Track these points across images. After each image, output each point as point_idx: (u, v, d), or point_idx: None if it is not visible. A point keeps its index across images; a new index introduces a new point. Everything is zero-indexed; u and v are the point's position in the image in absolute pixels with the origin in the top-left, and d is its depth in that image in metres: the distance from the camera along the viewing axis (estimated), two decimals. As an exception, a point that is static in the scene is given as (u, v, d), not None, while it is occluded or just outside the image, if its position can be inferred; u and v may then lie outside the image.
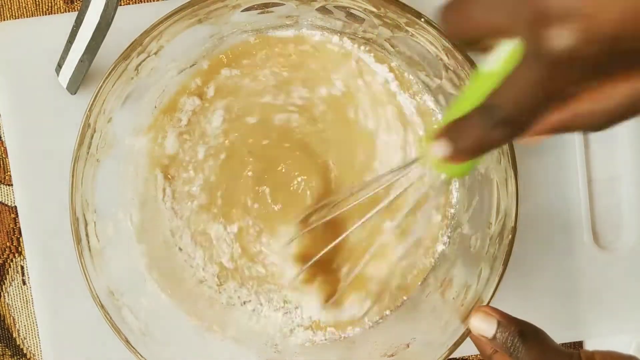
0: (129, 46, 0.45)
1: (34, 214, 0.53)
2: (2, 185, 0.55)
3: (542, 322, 0.43)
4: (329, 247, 0.48)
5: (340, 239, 0.48)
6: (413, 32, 0.46)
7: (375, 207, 0.45)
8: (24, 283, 0.56)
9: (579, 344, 0.57)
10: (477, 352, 0.49)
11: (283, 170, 0.52)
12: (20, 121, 0.53)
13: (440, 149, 0.33)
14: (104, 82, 0.45)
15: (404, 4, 0.44)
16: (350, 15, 0.47)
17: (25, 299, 0.56)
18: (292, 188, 0.52)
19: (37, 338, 0.56)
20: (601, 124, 0.31)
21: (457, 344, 0.44)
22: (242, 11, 0.47)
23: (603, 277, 0.55)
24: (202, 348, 0.51)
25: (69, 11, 0.55)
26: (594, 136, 0.55)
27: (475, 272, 0.47)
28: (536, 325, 0.42)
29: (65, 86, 0.51)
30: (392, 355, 0.48)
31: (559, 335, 0.54)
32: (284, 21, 0.50)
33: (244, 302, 0.53)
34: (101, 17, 0.47)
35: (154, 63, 0.47)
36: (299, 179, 0.52)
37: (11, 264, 0.55)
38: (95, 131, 0.46)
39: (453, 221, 0.52)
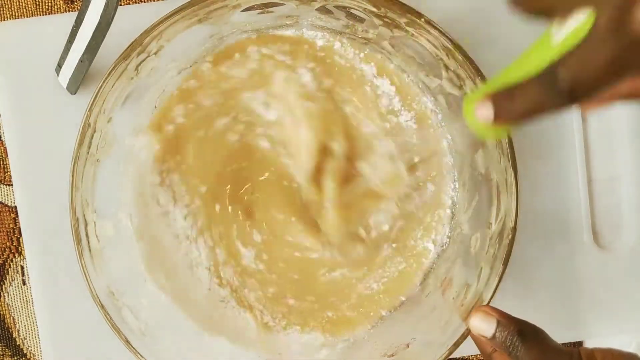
0: (129, 46, 0.45)
1: (34, 214, 0.53)
2: (2, 185, 0.55)
3: (542, 322, 0.43)
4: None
5: None
6: (413, 32, 0.46)
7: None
8: (24, 283, 0.56)
9: (579, 344, 0.57)
10: (477, 352, 0.49)
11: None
12: (20, 121, 0.53)
13: (487, 110, 0.33)
14: (103, 82, 0.45)
15: (404, 4, 0.44)
16: (350, 15, 0.47)
17: (25, 299, 0.56)
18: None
19: (37, 338, 0.56)
20: None
21: (457, 344, 0.44)
22: (242, 11, 0.47)
23: (603, 277, 0.55)
24: (202, 348, 0.51)
25: (69, 11, 0.55)
26: (594, 136, 0.55)
27: (475, 272, 0.47)
28: (536, 325, 0.42)
29: (65, 86, 0.51)
30: (392, 355, 0.48)
31: (559, 335, 0.54)
32: (284, 21, 0.50)
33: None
34: (101, 17, 0.47)
35: (154, 63, 0.47)
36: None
37: (11, 264, 0.55)
38: (95, 131, 0.46)
39: (453, 221, 0.52)
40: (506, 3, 0.31)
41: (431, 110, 0.52)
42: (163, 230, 0.52)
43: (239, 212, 0.53)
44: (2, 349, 0.56)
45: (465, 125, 0.49)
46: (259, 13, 0.48)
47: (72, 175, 0.45)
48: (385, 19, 0.46)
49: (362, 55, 0.51)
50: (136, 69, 0.46)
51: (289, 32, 0.51)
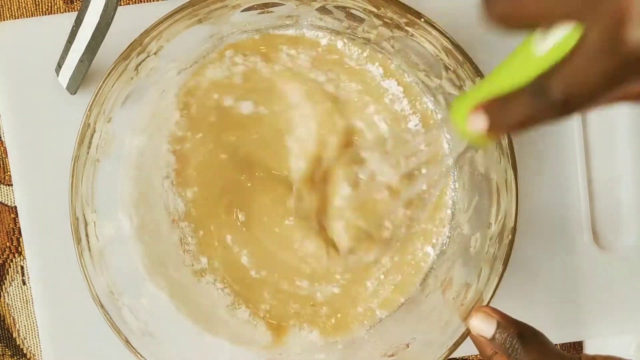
0: (128, 46, 0.45)
1: (34, 214, 0.53)
2: (2, 185, 0.55)
3: (542, 322, 0.43)
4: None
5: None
6: (413, 32, 0.46)
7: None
8: (24, 283, 0.56)
9: (579, 344, 0.57)
10: (477, 352, 0.49)
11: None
12: (20, 121, 0.53)
13: (481, 121, 0.33)
14: (103, 82, 0.45)
15: (404, 4, 0.44)
16: (350, 15, 0.47)
17: (25, 299, 0.56)
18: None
19: (37, 338, 0.56)
20: None
21: (457, 344, 0.44)
22: (242, 11, 0.47)
23: (603, 277, 0.55)
24: (202, 348, 0.51)
25: (68, 11, 0.55)
26: (594, 136, 0.55)
27: (475, 272, 0.47)
28: (536, 325, 0.42)
29: (65, 86, 0.51)
30: (392, 355, 0.48)
31: (559, 335, 0.55)
32: (284, 21, 0.50)
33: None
34: (101, 17, 0.47)
35: (153, 63, 0.47)
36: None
37: (11, 264, 0.55)
38: (95, 131, 0.46)
39: (453, 221, 0.52)
40: (483, 20, 0.31)
41: (431, 111, 0.52)
42: (163, 229, 0.52)
43: (239, 219, 0.53)
44: (2, 349, 0.56)
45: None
46: (259, 13, 0.48)
47: (72, 175, 0.45)
48: (385, 19, 0.46)
49: (365, 54, 0.51)
50: (136, 69, 0.46)
51: (289, 32, 0.51)
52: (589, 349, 0.56)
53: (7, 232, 0.55)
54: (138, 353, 0.46)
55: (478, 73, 0.44)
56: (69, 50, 0.49)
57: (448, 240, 0.53)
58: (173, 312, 0.51)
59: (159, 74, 0.49)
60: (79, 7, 0.49)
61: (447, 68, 0.47)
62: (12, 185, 0.54)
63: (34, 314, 0.55)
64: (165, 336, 0.48)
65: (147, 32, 0.44)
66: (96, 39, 0.47)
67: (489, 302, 0.45)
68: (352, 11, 0.47)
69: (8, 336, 0.56)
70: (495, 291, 0.45)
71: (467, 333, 0.43)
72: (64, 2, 0.55)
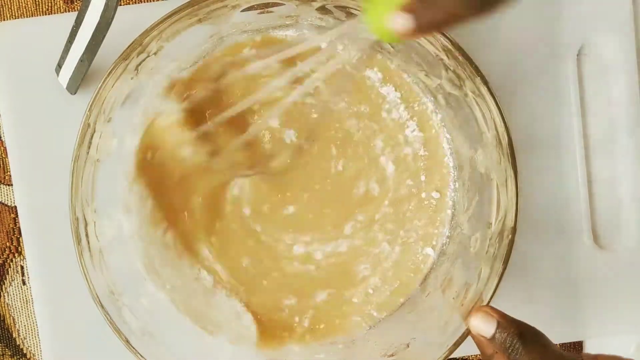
0: (128, 46, 0.45)
1: (34, 214, 0.53)
2: (2, 185, 0.55)
3: (542, 322, 0.43)
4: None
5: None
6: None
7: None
8: (24, 283, 0.56)
9: (579, 344, 0.57)
10: (477, 352, 0.49)
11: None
12: (20, 121, 0.53)
13: (406, 20, 0.33)
14: (103, 82, 0.45)
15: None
16: (350, 15, 0.47)
17: (25, 299, 0.56)
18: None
19: (37, 338, 0.56)
20: None
21: (457, 344, 0.44)
22: (242, 11, 0.47)
23: (603, 277, 0.55)
24: (202, 348, 0.51)
25: (69, 11, 0.55)
26: (595, 136, 0.55)
27: (475, 272, 0.47)
28: (536, 325, 0.42)
29: (65, 86, 0.51)
30: (392, 355, 0.48)
31: (559, 335, 0.55)
32: (283, 21, 0.50)
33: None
34: (101, 17, 0.47)
35: (153, 63, 0.47)
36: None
37: (11, 264, 0.55)
38: (95, 131, 0.46)
39: (453, 221, 0.53)
40: None
41: (431, 111, 0.52)
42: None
43: (236, 217, 0.53)
44: (2, 349, 0.56)
45: (465, 124, 0.49)
46: (258, 13, 0.48)
47: (72, 175, 0.45)
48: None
49: (365, 57, 0.52)
50: (136, 69, 0.46)
51: (289, 32, 0.51)
52: (589, 349, 0.56)
53: (7, 232, 0.55)
54: (138, 353, 0.46)
55: (478, 73, 0.44)
56: (69, 50, 0.49)
57: (448, 240, 0.53)
58: (173, 312, 0.51)
59: (159, 74, 0.49)
60: (79, 7, 0.50)
61: (447, 68, 0.47)
62: (12, 185, 0.54)
63: (34, 313, 0.55)
64: (165, 336, 0.48)
65: (147, 32, 0.44)
66: (96, 39, 0.48)
67: (489, 301, 0.45)
68: (352, 11, 0.47)
69: (8, 336, 0.56)
70: (495, 291, 0.45)
71: (467, 333, 0.43)
72: (64, 2, 0.55)
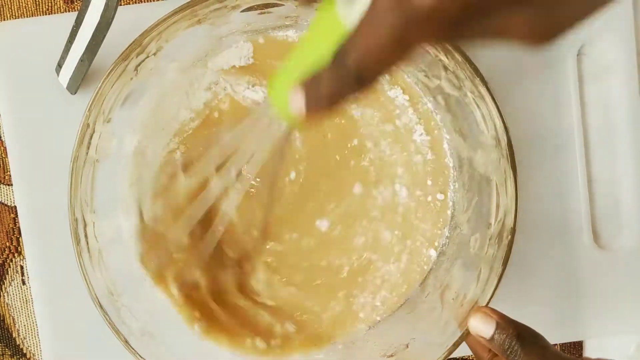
0: (128, 47, 0.45)
1: (34, 214, 0.53)
2: (2, 185, 0.55)
3: (542, 321, 0.44)
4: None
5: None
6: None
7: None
8: (24, 283, 0.56)
9: (579, 344, 0.57)
10: (477, 353, 0.49)
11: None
12: (20, 121, 0.53)
13: (297, 103, 0.31)
14: (103, 82, 0.45)
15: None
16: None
17: (25, 299, 0.56)
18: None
19: (37, 338, 0.56)
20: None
21: (456, 345, 0.44)
22: (242, 12, 0.47)
23: (603, 277, 0.55)
24: (201, 348, 0.51)
25: (69, 11, 0.55)
26: (595, 136, 0.55)
27: (474, 272, 0.47)
28: (536, 325, 0.42)
29: (65, 86, 0.51)
30: (392, 356, 0.48)
31: (559, 335, 0.55)
32: (283, 21, 0.50)
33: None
34: (101, 17, 0.47)
35: (153, 63, 0.47)
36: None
37: (11, 264, 0.55)
38: (94, 131, 0.46)
39: (452, 222, 0.52)
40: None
41: (431, 112, 0.52)
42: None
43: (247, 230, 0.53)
44: (2, 348, 0.56)
45: (464, 125, 0.49)
46: (258, 13, 0.48)
47: (71, 176, 0.45)
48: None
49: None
50: (135, 69, 0.46)
51: (289, 33, 0.51)
52: (588, 349, 0.56)
53: (7, 232, 0.55)
54: (137, 353, 0.46)
55: (477, 73, 0.44)
56: (69, 50, 0.49)
57: (447, 240, 0.53)
58: (172, 312, 0.51)
59: (159, 74, 0.49)
60: (79, 7, 0.50)
61: (446, 68, 0.47)
62: (12, 185, 0.54)
63: (34, 313, 0.55)
64: (164, 336, 0.48)
65: (146, 33, 0.44)
66: (96, 39, 0.48)
67: (488, 302, 0.45)
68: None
69: (8, 336, 0.56)
70: (494, 291, 0.45)
71: (467, 334, 0.43)
72: (64, 2, 0.55)
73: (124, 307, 0.47)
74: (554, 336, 0.43)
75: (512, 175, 0.44)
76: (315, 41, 0.32)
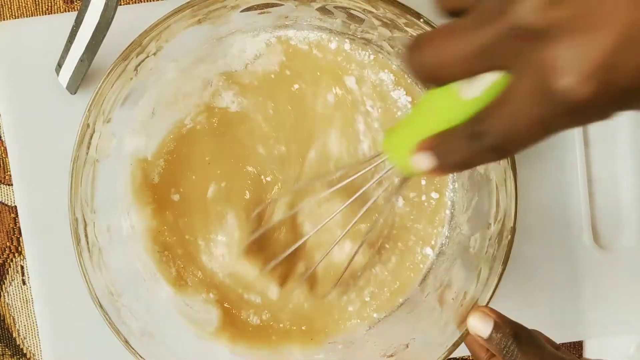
0: (128, 46, 0.45)
1: (34, 214, 0.53)
2: (2, 185, 0.55)
3: (542, 322, 0.44)
4: (296, 244, 0.49)
5: (308, 236, 0.50)
6: (412, 33, 0.46)
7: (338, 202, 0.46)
8: (24, 283, 0.56)
9: (579, 344, 0.56)
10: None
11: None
12: (20, 121, 0.53)
13: (424, 161, 0.33)
14: (103, 82, 0.45)
15: (402, 5, 0.44)
16: (349, 15, 0.47)
17: (25, 299, 0.56)
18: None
19: (37, 338, 0.56)
20: None
21: (456, 345, 0.44)
22: (242, 11, 0.47)
23: (603, 277, 0.55)
24: (201, 348, 0.51)
25: (68, 11, 0.55)
26: (595, 136, 0.55)
27: (474, 272, 0.47)
28: (536, 325, 0.42)
29: (65, 86, 0.51)
30: (392, 356, 0.48)
31: (559, 335, 0.55)
32: (283, 21, 0.50)
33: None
34: (101, 17, 0.47)
35: (153, 63, 0.47)
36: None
37: (11, 264, 0.56)
38: (94, 131, 0.46)
39: (452, 221, 0.52)
40: (407, 72, 0.31)
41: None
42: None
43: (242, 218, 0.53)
44: (2, 348, 0.56)
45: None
46: (258, 13, 0.48)
47: (71, 176, 0.45)
48: (384, 20, 0.46)
49: (372, 57, 0.52)
50: (135, 69, 0.46)
51: (289, 33, 0.51)
52: (588, 349, 0.56)
53: (7, 232, 0.55)
54: (137, 353, 0.46)
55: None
56: (69, 50, 0.49)
57: (447, 240, 0.53)
58: (172, 313, 0.51)
59: (159, 74, 0.49)
60: (79, 7, 0.50)
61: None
62: (12, 185, 0.54)
63: (34, 313, 0.55)
64: (164, 336, 0.48)
65: (146, 33, 0.44)
66: (96, 39, 0.48)
67: (488, 302, 0.45)
68: (352, 12, 0.47)
69: (8, 336, 0.56)
70: (494, 291, 0.45)
71: (466, 334, 0.43)
72: (64, 2, 0.55)
73: (124, 307, 0.47)
74: (554, 336, 0.43)
75: (512, 175, 0.44)
76: (432, 108, 0.34)
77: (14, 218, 0.55)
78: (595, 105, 0.27)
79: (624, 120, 0.54)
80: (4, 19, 0.55)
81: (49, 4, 0.55)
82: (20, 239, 0.55)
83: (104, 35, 0.47)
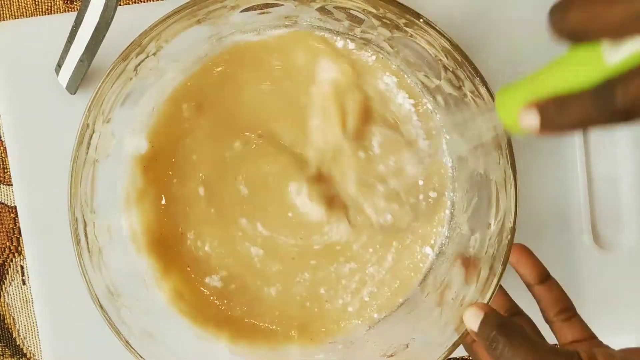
0: (127, 47, 0.45)
1: (34, 214, 0.53)
2: (2, 185, 0.55)
3: (542, 322, 0.43)
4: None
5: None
6: (412, 33, 0.46)
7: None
8: (24, 283, 0.56)
9: (579, 344, 0.56)
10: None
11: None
12: (20, 121, 0.53)
13: (534, 119, 0.33)
14: (102, 82, 0.45)
15: (402, 5, 0.44)
16: (349, 15, 0.47)
17: (25, 299, 0.56)
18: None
19: (37, 338, 0.56)
20: None
21: (456, 345, 0.44)
22: (242, 11, 0.47)
23: (603, 277, 0.55)
24: (201, 349, 0.51)
25: (68, 11, 0.55)
26: (594, 136, 0.55)
27: (474, 272, 0.47)
28: (536, 325, 0.41)
29: (65, 86, 0.51)
30: (392, 356, 0.48)
31: (559, 335, 0.54)
32: (283, 22, 0.50)
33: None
34: (101, 17, 0.47)
35: (152, 63, 0.47)
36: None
37: (11, 264, 0.56)
38: (94, 131, 0.46)
39: (452, 221, 0.52)
40: (550, 29, 0.31)
41: (431, 111, 0.52)
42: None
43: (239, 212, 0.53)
44: (2, 348, 0.56)
45: (464, 125, 0.49)
46: (258, 13, 0.48)
47: (71, 176, 0.45)
48: (384, 20, 0.46)
49: (374, 57, 0.52)
50: (135, 69, 0.46)
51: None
52: (588, 349, 0.56)
53: (7, 232, 0.55)
54: (137, 353, 0.46)
55: (477, 73, 0.44)
56: (68, 50, 0.49)
57: (447, 240, 0.53)
58: (172, 313, 0.51)
59: (158, 74, 0.49)
60: (78, 7, 0.50)
61: (446, 69, 0.47)
62: (12, 185, 0.54)
63: (34, 313, 0.55)
64: (164, 337, 0.48)
65: (146, 33, 0.44)
66: (96, 39, 0.48)
67: (488, 302, 0.44)
68: (351, 12, 0.47)
69: (8, 336, 0.56)
70: (494, 291, 0.45)
71: (466, 334, 0.43)
72: (64, 2, 0.55)
73: (124, 307, 0.47)
74: (554, 336, 0.43)
75: (512, 175, 0.44)
76: (567, 69, 0.34)
77: (14, 218, 0.55)
78: None
79: (624, 120, 0.54)
80: (3, 19, 0.55)
81: (49, 4, 0.55)
82: (20, 239, 0.55)
83: (104, 36, 0.47)
